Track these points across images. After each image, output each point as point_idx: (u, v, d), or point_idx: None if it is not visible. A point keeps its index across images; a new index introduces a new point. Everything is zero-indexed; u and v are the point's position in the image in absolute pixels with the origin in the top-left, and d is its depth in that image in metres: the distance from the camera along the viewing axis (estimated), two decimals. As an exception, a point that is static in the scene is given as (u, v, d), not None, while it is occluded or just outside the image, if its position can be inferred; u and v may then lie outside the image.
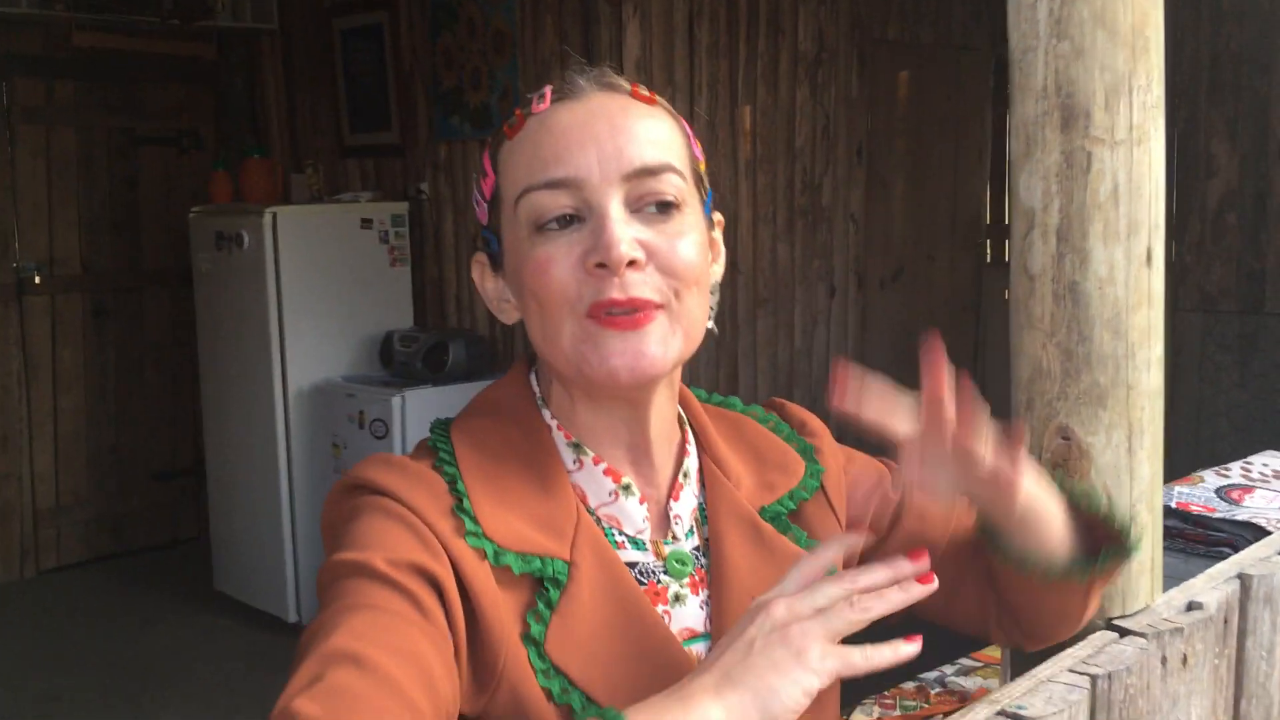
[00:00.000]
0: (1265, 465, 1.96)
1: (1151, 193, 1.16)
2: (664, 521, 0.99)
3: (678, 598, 0.96)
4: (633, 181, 0.91)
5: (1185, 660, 1.19)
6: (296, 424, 4.57)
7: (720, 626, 0.95)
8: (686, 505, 1.00)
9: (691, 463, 1.02)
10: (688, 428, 1.04)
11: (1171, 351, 5.38)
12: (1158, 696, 1.16)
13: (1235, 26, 4.59)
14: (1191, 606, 1.24)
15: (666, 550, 0.98)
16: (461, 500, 0.90)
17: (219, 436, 4.90)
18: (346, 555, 0.84)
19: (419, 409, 4.30)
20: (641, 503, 0.98)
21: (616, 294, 0.89)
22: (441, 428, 0.98)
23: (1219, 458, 3.28)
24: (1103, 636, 1.17)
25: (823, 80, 4.76)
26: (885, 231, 5.12)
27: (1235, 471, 1.92)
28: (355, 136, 5.18)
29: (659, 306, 0.90)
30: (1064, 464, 1.18)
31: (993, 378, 5.56)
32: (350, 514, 0.89)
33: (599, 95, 0.95)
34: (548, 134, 0.92)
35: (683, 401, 1.05)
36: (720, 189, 4.36)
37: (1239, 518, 1.66)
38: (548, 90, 0.95)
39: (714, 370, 4.46)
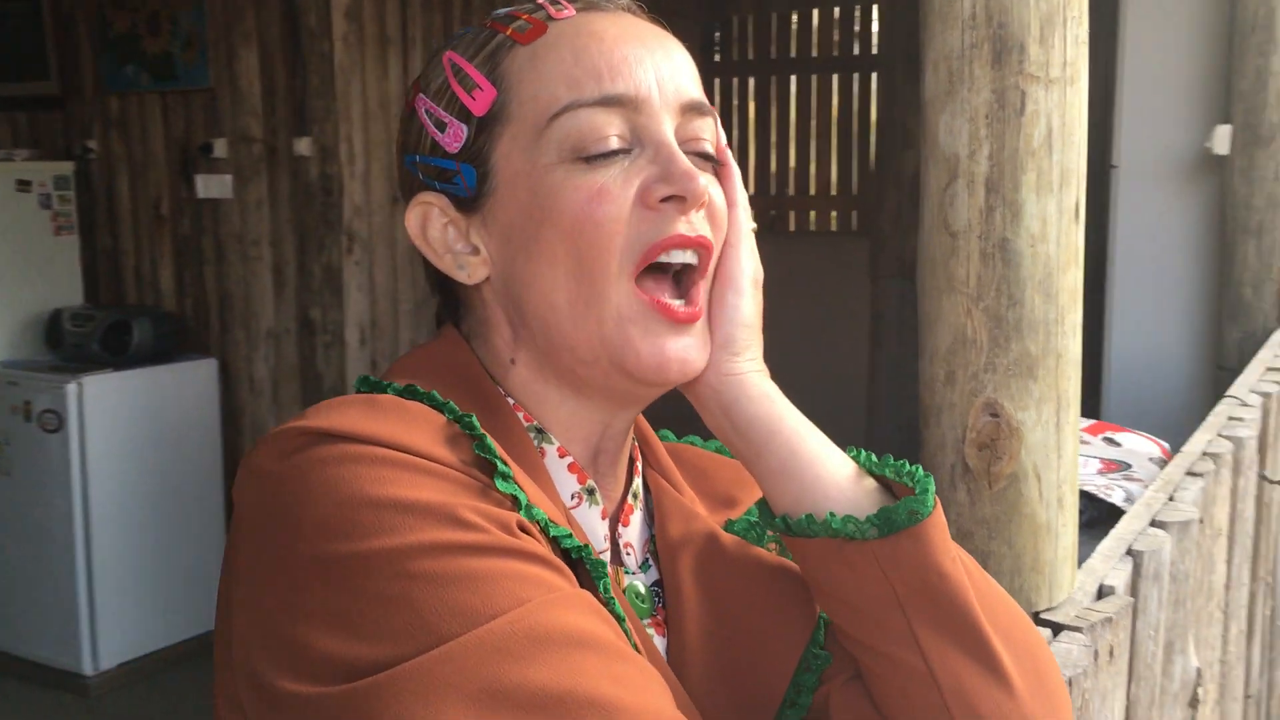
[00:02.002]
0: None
1: (1080, 140, 1.05)
2: (613, 550, 0.79)
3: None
4: (685, 115, 0.75)
5: (1112, 652, 1.10)
6: (-57, 419, 3.92)
7: (679, 674, 0.76)
8: (636, 533, 0.81)
9: (641, 484, 0.83)
10: (636, 443, 0.84)
11: (873, 318, 5.58)
12: (1094, 695, 1.06)
13: None
14: (1103, 591, 1.16)
15: (625, 581, 0.77)
16: (483, 439, 0.68)
17: None
18: (403, 536, 0.61)
19: (99, 397, 3.77)
20: (603, 518, 0.78)
21: (685, 229, 0.72)
22: (374, 384, 0.74)
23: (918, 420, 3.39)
24: (1037, 634, 1.05)
25: (538, 40, 4.55)
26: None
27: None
28: (4, 85, 4.49)
29: (708, 266, 0.75)
30: (992, 444, 1.05)
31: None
32: (337, 479, 0.63)
33: (628, 16, 0.77)
34: (595, 41, 0.73)
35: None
36: (438, 151, 4.08)
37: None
38: (563, 1, 0.76)
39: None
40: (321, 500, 0.62)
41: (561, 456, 0.76)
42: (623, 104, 0.72)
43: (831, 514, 0.70)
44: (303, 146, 3.86)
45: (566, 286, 0.72)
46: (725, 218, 0.76)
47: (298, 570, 0.62)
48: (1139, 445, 1.92)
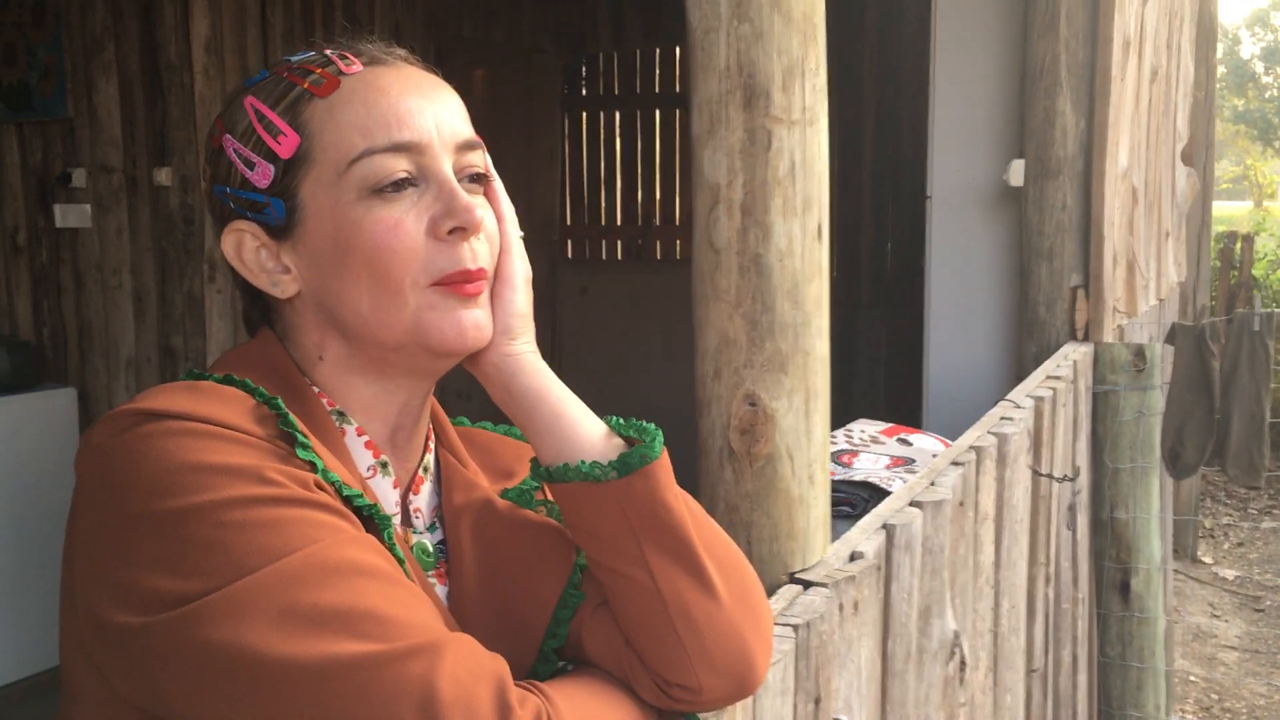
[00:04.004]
0: (863, 431, 2.17)
1: (820, 171, 1.24)
2: (404, 514, 0.95)
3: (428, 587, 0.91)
4: (459, 152, 0.91)
5: (857, 605, 1.29)
6: None
7: (459, 616, 0.91)
8: (426, 500, 0.97)
9: (432, 460, 0.99)
10: (431, 424, 1.00)
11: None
12: (838, 640, 1.24)
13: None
14: (854, 556, 1.35)
15: (414, 539, 0.93)
16: (285, 417, 0.83)
17: None
18: (217, 493, 0.75)
19: (-47, 427, 3.76)
20: (395, 487, 0.93)
21: (469, 262, 0.88)
22: (197, 375, 0.88)
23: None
24: (790, 590, 1.24)
25: (400, 74, 4.69)
26: (464, 229, 5.12)
27: (840, 438, 2.11)
28: None
29: (488, 275, 0.91)
30: (751, 429, 1.24)
31: (570, 369, 5.76)
32: (163, 452, 0.77)
33: (406, 66, 0.92)
34: (381, 95, 0.88)
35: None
36: (300, 182, 4.17)
37: (855, 478, 1.82)
38: (350, 55, 0.90)
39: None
40: (150, 467, 0.77)
41: (360, 435, 0.92)
42: (409, 149, 0.87)
43: (582, 461, 0.87)
44: (163, 176, 3.93)
45: (369, 300, 0.87)
46: (498, 233, 0.93)
47: (131, 525, 0.76)
48: (926, 444, 2.14)
